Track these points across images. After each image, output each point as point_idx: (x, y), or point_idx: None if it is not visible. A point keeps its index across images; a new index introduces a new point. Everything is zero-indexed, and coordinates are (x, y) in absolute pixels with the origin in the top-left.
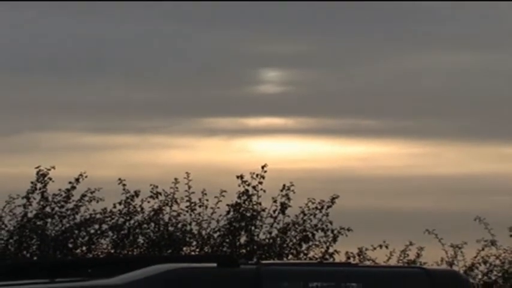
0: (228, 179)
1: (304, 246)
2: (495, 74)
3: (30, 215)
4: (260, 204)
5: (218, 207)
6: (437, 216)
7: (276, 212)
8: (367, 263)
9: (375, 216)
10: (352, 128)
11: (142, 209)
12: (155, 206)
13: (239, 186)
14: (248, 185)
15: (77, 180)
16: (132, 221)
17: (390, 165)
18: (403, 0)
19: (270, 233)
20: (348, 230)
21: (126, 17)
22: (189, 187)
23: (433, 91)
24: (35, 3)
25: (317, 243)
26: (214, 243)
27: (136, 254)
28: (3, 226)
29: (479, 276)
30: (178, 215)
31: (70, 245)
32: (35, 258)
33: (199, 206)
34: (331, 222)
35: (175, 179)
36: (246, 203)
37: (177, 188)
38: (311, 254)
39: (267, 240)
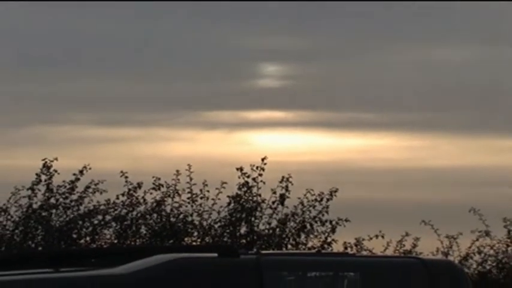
0: (228, 171)
1: (303, 236)
2: (491, 68)
3: (35, 206)
4: (260, 195)
5: (219, 199)
6: (433, 207)
7: (276, 203)
8: (365, 253)
9: (373, 207)
10: (350, 121)
11: (144, 200)
12: (157, 198)
13: (239, 178)
14: (248, 176)
15: (81, 172)
16: (134, 212)
17: (388, 157)
18: None
19: (270, 223)
20: (346, 220)
21: (129, 13)
22: (191, 179)
23: (431, 85)
24: None
25: (315, 233)
26: (215, 234)
27: (139, 244)
28: (9, 217)
29: (474, 266)
30: (180, 206)
31: (74, 236)
32: (40, 248)
33: (201, 198)
34: (327, 212)
35: (177, 171)
36: (246, 194)
37: (178, 179)
38: (310, 244)
39: (266, 231)
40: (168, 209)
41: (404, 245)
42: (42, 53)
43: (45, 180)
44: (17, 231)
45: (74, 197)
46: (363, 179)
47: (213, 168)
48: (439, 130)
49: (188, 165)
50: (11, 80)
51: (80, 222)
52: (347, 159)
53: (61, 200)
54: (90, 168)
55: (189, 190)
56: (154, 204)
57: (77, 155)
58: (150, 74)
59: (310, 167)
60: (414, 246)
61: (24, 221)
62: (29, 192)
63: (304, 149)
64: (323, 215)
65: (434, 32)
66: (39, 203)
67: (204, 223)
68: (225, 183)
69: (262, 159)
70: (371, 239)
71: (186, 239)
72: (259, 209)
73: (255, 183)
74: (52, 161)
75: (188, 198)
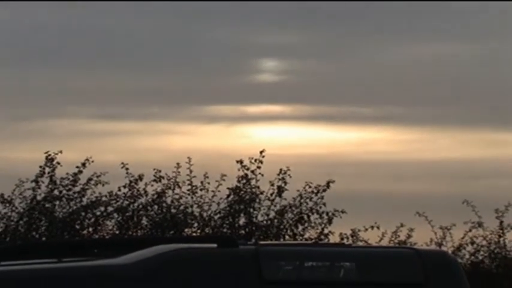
0: (228, 164)
1: (300, 227)
2: (485, 63)
3: (39, 197)
4: (258, 187)
5: (219, 191)
6: (427, 199)
7: (274, 195)
8: (360, 243)
9: (368, 199)
10: (347, 115)
11: (146, 192)
12: (158, 189)
13: (239, 170)
14: (247, 169)
15: (84, 164)
16: (136, 204)
17: (384, 150)
18: None
19: (268, 215)
20: (342, 212)
21: (130, 10)
22: (191, 171)
23: (425, 80)
24: None
25: (312, 225)
26: (214, 225)
27: (140, 235)
28: (13, 208)
29: (467, 256)
30: (180, 198)
31: (77, 227)
32: (43, 238)
33: (201, 190)
34: (324, 204)
35: (178, 163)
36: (245, 186)
37: (179, 172)
38: (307, 235)
39: (265, 222)
40: (168, 200)
41: (399, 236)
42: (46, 48)
43: (49, 173)
44: (21, 222)
45: (77, 188)
46: (359, 172)
47: (212, 161)
48: (434, 124)
49: (188, 157)
50: (15, 75)
51: (83, 214)
52: (344, 152)
53: (64, 191)
54: (92, 161)
55: (189, 182)
56: (155, 196)
57: (79, 148)
58: (151, 69)
59: (307, 160)
60: (409, 237)
61: (29, 212)
62: (33, 184)
63: (301, 142)
64: (320, 206)
65: (429, 28)
66: (42, 195)
67: (204, 214)
68: (225, 175)
69: (261, 152)
70: (367, 230)
71: (186, 230)
72: (257, 200)
73: (253, 176)
74: (56, 154)
75: (188, 190)
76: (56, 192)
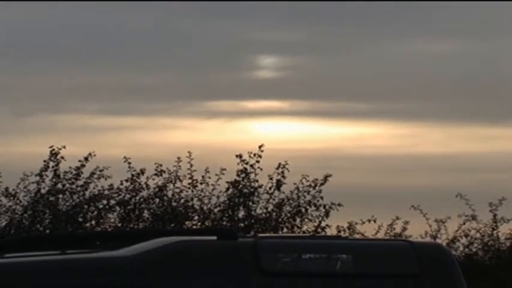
0: (227, 158)
1: (298, 220)
2: (476, 59)
3: (43, 191)
4: (257, 181)
5: (218, 184)
6: (422, 192)
7: (272, 189)
8: (357, 236)
9: (365, 192)
10: (343, 111)
11: (147, 185)
12: (159, 183)
13: (238, 164)
14: (246, 163)
15: (87, 159)
16: (137, 197)
17: (379, 145)
18: None
19: (266, 208)
20: (339, 205)
21: (133, 8)
22: (191, 165)
23: (419, 76)
24: None
25: (310, 217)
26: (214, 218)
27: (141, 227)
28: (18, 201)
29: (461, 249)
30: (181, 191)
31: (80, 219)
32: (47, 231)
33: (201, 183)
34: (321, 197)
35: (178, 158)
36: (244, 180)
37: (179, 166)
38: (304, 227)
39: (263, 215)
40: (169, 194)
41: (394, 229)
42: (51, 44)
43: (53, 167)
44: (25, 215)
45: (80, 182)
46: (355, 166)
47: (212, 155)
48: (428, 119)
49: (189, 152)
50: (20, 71)
51: (86, 207)
52: (340, 146)
53: (68, 185)
54: (95, 155)
55: (189, 176)
56: (157, 189)
57: (82, 142)
58: (152, 66)
59: (305, 154)
60: (404, 229)
61: (33, 206)
62: (37, 178)
63: (299, 137)
64: (317, 200)
65: (424, 26)
66: (46, 188)
67: (204, 208)
68: (224, 169)
69: (260, 147)
70: (363, 223)
71: (186, 222)
72: (256, 194)
73: (252, 170)
74: (60, 149)
75: (189, 183)
76: (59, 185)
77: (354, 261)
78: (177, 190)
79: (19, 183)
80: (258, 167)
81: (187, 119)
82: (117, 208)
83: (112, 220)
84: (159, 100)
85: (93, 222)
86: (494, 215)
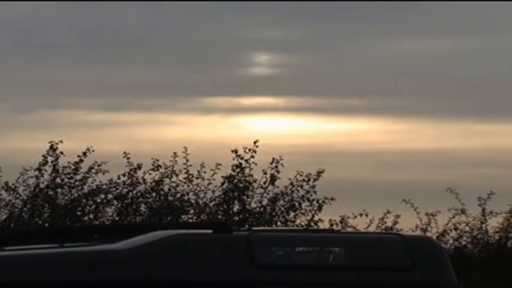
0: (223, 153)
1: (292, 214)
2: (468, 57)
3: (42, 185)
4: (252, 176)
5: (214, 179)
6: (413, 187)
7: (266, 183)
8: (349, 229)
9: (357, 187)
10: (337, 107)
11: (144, 180)
12: (156, 178)
13: (233, 159)
14: (241, 158)
15: (85, 154)
16: (135, 191)
17: (372, 140)
18: None
19: (261, 202)
20: (332, 199)
21: (129, 4)
22: (187, 160)
23: (411, 73)
24: None
25: (303, 211)
26: (209, 212)
27: (138, 221)
28: (17, 195)
29: (451, 242)
30: (177, 185)
31: (78, 213)
32: (46, 225)
33: (197, 178)
34: (315, 192)
35: (175, 153)
36: (239, 175)
37: (176, 161)
38: (298, 221)
39: (257, 209)
40: (166, 188)
41: (386, 222)
42: (49, 41)
43: (52, 162)
44: (25, 209)
45: (78, 177)
46: (348, 161)
47: (208, 151)
48: (419, 115)
49: (185, 147)
50: (20, 68)
51: (84, 201)
52: (333, 142)
53: (66, 179)
54: (93, 150)
55: (185, 171)
56: (153, 183)
57: (81, 137)
58: (150, 62)
59: (299, 149)
60: (395, 223)
61: (32, 200)
62: (36, 172)
63: (293, 133)
64: (311, 194)
65: (416, 24)
66: (45, 183)
67: (200, 202)
68: (220, 164)
69: (255, 142)
70: (355, 216)
71: (182, 216)
72: (251, 188)
73: (247, 165)
74: (58, 144)
75: (185, 178)
76: (58, 180)
77: (346, 254)
78: (173, 184)
79: (18, 178)
80: (253, 162)
81: (184, 115)
82: (115, 202)
83: (110, 214)
84: (155, 96)
85: (91, 216)
86: (483, 209)
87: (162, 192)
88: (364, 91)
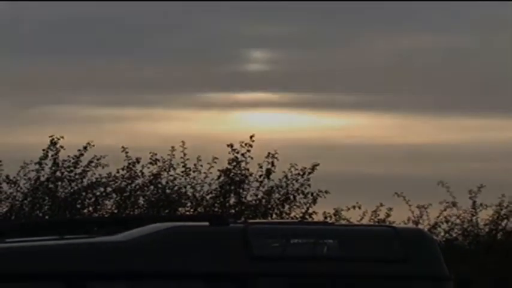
0: (219, 148)
1: (287, 207)
2: (458, 53)
3: (42, 178)
4: (248, 169)
5: (210, 173)
6: (405, 180)
7: (262, 177)
8: (343, 222)
9: (350, 180)
10: (330, 102)
11: (142, 173)
12: (154, 171)
13: (229, 153)
14: (237, 152)
15: (85, 148)
16: (133, 185)
17: (365, 135)
18: None
19: (256, 195)
20: (326, 192)
21: (129, 1)
22: (185, 154)
23: (403, 69)
24: None
25: (298, 204)
26: (206, 204)
27: (137, 213)
28: (18, 189)
29: (442, 234)
30: (175, 179)
31: (78, 206)
32: (46, 217)
33: (194, 171)
34: (309, 185)
35: (172, 147)
36: (236, 168)
37: (173, 155)
38: (293, 214)
39: (253, 202)
40: (163, 181)
41: (378, 215)
42: (50, 38)
43: (52, 155)
44: (25, 201)
45: (78, 170)
46: (342, 155)
47: (205, 145)
48: (412, 110)
49: (182, 141)
50: (21, 64)
51: (84, 194)
52: (328, 136)
53: (66, 173)
54: (93, 145)
55: (183, 164)
56: (151, 177)
57: (81, 132)
58: (149, 58)
59: (294, 143)
60: (388, 215)
61: (33, 193)
62: (37, 166)
63: (289, 127)
64: (305, 187)
65: (407, 21)
66: (46, 176)
67: (197, 195)
68: (217, 158)
69: (251, 137)
70: (349, 209)
71: (180, 209)
72: (247, 182)
73: (243, 159)
74: (59, 139)
75: (182, 172)
76: (58, 173)
77: (339, 246)
78: (171, 178)
79: (19, 171)
80: (249, 156)
81: (182, 110)
82: (114, 195)
83: (109, 207)
84: (154, 92)
85: (90, 208)
86: (474, 202)
87: (159, 186)
88: (357, 87)
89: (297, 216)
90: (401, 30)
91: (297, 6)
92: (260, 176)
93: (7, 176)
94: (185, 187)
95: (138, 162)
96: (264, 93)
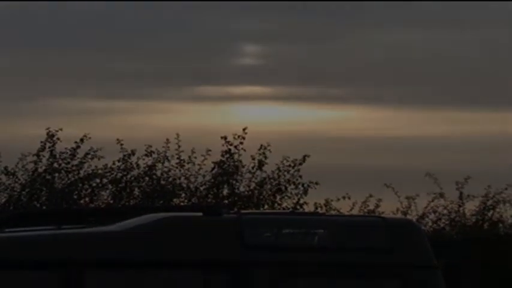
0: (213, 140)
1: (279, 197)
2: (446, 46)
3: (40, 170)
4: (241, 161)
5: (204, 164)
6: (394, 172)
7: (254, 168)
8: (333, 212)
9: (340, 171)
10: (321, 95)
11: (138, 165)
12: (149, 163)
13: (223, 145)
14: (231, 144)
15: (82, 140)
16: (129, 176)
17: (355, 127)
18: None
19: (249, 186)
20: (317, 183)
21: None
22: (179, 146)
23: (392, 63)
24: None
25: (289, 195)
26: (200, 195)
27: (132, 204)
28: (16, 180)
29: (430, 224)
30: (169, 170)
31: (75, 197)
32: (44, 207)
33: (188, 163)
34: (300, 176)
35: (167, 139)
36: (229, 160)
37: (168, 147)
38: (284, 204)
39: (246, 193)
40: (158, 173)
41: (368, 206)
42: (46, 31)
43: (49, 147)
44: (23, 192)
45: (75, 162)
46: (332, 147)
47: (199, 137)
48: (400, 103)
49: (177, 134)
50: (19, 58)
51: (80, 185)
52: (318, 129)
53: (63, 164)
54: (90, 137)
55: (177, 156)
56: (147, 168)
57: (78, 125)
58: (144, 52)
59: (285, 136)
60: (377, 206)
61: (30, 184)
62: (35, 158)
63: (280, 120)
64: (296, 179)
65: (395, 15)
66: (43, 168)
67: (191, 186)
68: (210, 150)
69: (244, 129)
70: (339, 200)
71: (174, 199)
72: (239, 173)
73: (236, 151)
74: (57, 131)
75: (177, 163)
76: (55, 165)
77: (330, 236)
78: (166, 169)
79: (18, 163)
80: (242, 148)
81: (176, 103)
82: (110, 186)
83: (105, 197)
84: (149, 85)
85: (87, 199)
86: (461, 193)
87: (154, 177)
88: (347, 80)
89: (289, 206)
90: (389, 24)
91: (290, 1)
92: (252, 167)
93: (5, 168)
94: (179, 178)
95: (134, 154)
96: (256, 86)
